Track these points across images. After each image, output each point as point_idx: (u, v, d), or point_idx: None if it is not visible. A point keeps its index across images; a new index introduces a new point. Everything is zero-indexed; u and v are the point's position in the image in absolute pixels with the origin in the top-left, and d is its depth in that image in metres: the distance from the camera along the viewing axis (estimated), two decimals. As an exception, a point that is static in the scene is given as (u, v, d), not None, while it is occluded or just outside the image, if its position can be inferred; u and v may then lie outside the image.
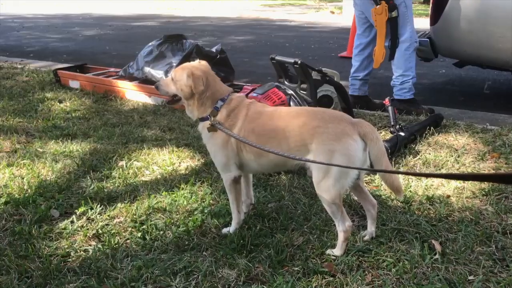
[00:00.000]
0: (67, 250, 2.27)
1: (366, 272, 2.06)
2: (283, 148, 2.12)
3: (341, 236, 2.18)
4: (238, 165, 2.31)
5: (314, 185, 2.12)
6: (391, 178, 2.15)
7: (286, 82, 3.68)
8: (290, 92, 3.50)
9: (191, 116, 2.39)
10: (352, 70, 4.57)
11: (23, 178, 3.01)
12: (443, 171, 3.01)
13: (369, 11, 4.20)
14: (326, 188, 2.07)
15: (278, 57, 3.65)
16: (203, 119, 2.31)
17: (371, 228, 2.32)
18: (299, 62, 3.41)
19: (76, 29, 12.32)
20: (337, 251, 2.18)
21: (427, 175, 3.10)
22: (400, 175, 2.65)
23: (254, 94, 3.50)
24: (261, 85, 3.69)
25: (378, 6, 4.04)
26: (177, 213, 2.59)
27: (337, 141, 2.03)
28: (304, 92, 3.52)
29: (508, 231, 2.33)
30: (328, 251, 2.19)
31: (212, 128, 2.25)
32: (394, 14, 4.05)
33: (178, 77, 2.32)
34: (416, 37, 4.31)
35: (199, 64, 2.39)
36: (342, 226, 2.15)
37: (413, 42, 4.22)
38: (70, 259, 2.21)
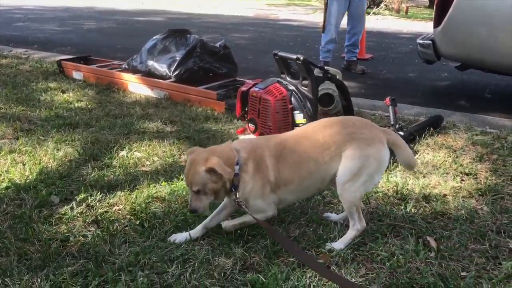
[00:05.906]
0: (66, 234, 2.29)
1: (361, 265, 2.08)
2: (319, 163, 2.14)
3: (351, 233, 2.22)
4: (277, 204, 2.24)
5: (337, 184, 2.14)
6: (408, 159, 2.29)
7: (288, 78, 3.71)
8: (292, 88, 3.53)
9: (225, 198, 2.24)
10: None
11: (24, 165, 3.04)
12: (441, 170, 3.03)
13: None
14: (352, 190, 2.12)
15: (281, 53, 3.68)
16: (234, 188, 2.14)
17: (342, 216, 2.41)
18: (301, 58, 3.43)
19: (81, 21, 12.36)
20: (339, 244, 2.20)
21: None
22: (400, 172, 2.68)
23: (256, 89, 3.54)
24: (262, 80, 3.72)
25: None
26: (176, 202, 2.62)
27: (372, 146, 2.11)
28: (306, 89, 3.54)
29: (502, 230, 2.35)
30: (328, 245, 2.20)
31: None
32: (325, 0, 6.08)
33: (198, 181, 2.06)
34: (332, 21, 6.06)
35: (195, 155, 2.13)
36: (358, 225, 2.20)
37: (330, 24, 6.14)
38: (69, 244, 2.23)
